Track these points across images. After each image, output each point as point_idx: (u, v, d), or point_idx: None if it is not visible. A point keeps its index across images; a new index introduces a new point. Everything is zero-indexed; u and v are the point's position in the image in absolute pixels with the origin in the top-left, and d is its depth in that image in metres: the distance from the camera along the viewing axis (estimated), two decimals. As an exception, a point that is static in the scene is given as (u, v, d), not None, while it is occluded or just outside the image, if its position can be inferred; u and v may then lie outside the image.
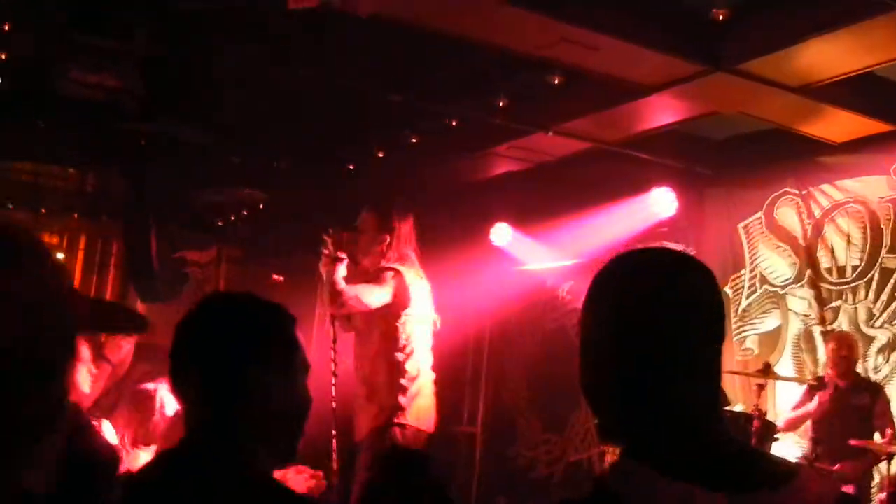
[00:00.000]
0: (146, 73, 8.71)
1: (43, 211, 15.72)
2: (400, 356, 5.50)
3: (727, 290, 9.19)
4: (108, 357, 5.58)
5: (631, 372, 1.49)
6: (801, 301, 8.62)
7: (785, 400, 8.21)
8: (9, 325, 1.12)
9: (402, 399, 5.43)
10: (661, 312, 1.49)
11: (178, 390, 2.06)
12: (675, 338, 1.49)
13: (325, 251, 5.55)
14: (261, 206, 13.74)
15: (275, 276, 11.00)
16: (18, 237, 1.22)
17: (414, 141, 9.30)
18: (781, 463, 1.51)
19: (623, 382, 1.50)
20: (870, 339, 7.86)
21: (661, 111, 7.78)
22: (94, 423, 4.62)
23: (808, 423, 7.49)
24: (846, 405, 7.14)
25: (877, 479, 7.16)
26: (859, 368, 7.56)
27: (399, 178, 9.94)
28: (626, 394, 1.50)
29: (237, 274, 14.80)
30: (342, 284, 5.41)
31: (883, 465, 6.99)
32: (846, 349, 7.34)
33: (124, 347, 6.96)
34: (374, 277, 5.52)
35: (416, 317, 5.59)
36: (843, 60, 6.54)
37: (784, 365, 8.56)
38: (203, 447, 1.94)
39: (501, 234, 10.45)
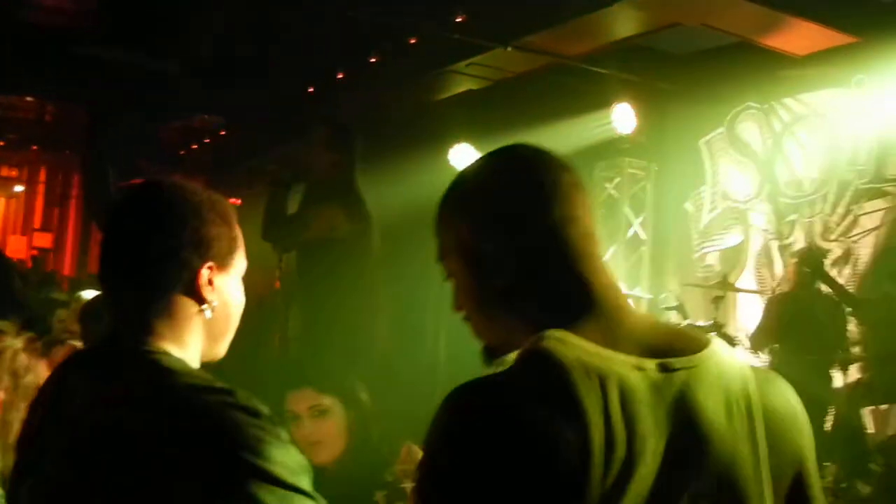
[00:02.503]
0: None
1: (2, 143, 15.51)
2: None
3: (688, 206, 9.18)
4: None
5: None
6: (761, 216, 8.62)
7: (748, 314, 8.23)
8: None
9: None
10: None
11: (107, 274, 1.94)
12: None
13: (270, 168, 5.41)
14: (221, 132, 13.60)
15: (231, 200, 10.82)
16: None
17: (374, 61, 9.15)
18: (698, 334, 1.49)
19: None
20: (824, 253, 7.85)
21: (623, 22, 7.65)
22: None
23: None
24: (806, 317, 7.12)
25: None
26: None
27: (359, 99, 9.81)
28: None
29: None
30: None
31: (839, 376, 7.04)
32: (809, 262, 7.33)
33: None
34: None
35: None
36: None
37: (746, 280, 8.58)
38: (128, 338, 1.84)
39: (462, 154, 10.33)
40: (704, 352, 1.42)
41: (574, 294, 1.47)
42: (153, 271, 1.86)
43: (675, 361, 1.39)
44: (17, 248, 15.43)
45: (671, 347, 1.42)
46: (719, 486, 1.36)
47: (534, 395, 1.32)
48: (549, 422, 1.29)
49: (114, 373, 1.78)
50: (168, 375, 1.74)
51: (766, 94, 8.60)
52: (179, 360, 1.81)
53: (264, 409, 1.71)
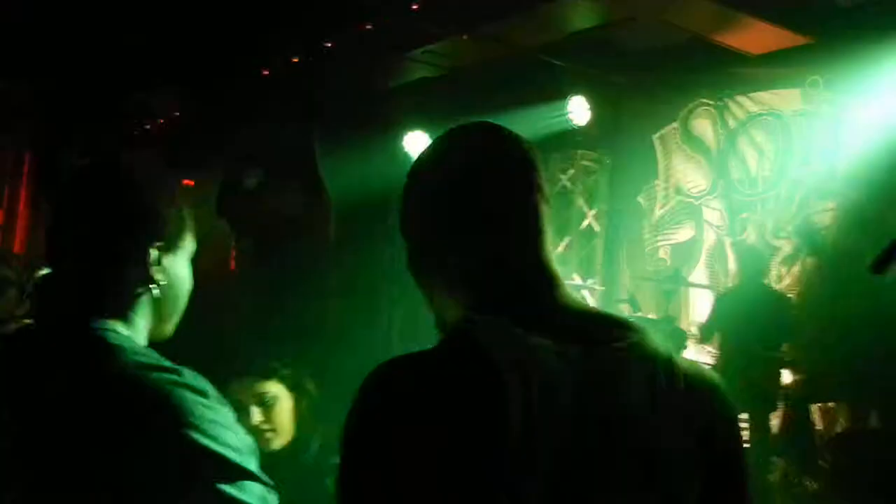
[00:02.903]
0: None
1: (-51, 122, 15.25)
2: None
3: (640, 200, 9.22)
4: None
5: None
6: (714, 212, 8.67)
7: (700, 309, 8.29)
8: None
9: None
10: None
11: (55, 259, 1.91)
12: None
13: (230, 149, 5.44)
14: (176, 112, 13.45)
15: (185, 181, 10.72)
16: None
17: (328, 46, 9.09)
18: (624, 320, 1.49)
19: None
20: (774, 250, 7.93)
21: (579, 15, 7.68)
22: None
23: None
24: (753, 312, 7.15)
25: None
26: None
27: (313, 83, 9.74)
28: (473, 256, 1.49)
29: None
30: None
31: (787, 374, 7.10)
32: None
33: None
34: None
35: None
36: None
37: (698, 276, 8.63)
38: (76, 316, 1.81)
39: (416, 142, 10.31)
40: (629, 340, 1.42)
41: (507, 275, 1.47)
42: (102, 250, 1.85)
43: (599, 348, 1.39)
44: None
45: (596, 334, 1.42)
46: (640, 473, 1.36)
47: (454, 374, 1.32)
48: (469, 402, 1.29)
49: (61, 350, 1.76)
50: (116, 353, 1.73)
51: (719, 92, 8.66)
52: (128, 338, 1.80)
53: (212, 389, 1.70)
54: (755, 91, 8.42)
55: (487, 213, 1.49)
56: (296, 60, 9.67)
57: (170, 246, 1.90)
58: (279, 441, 2.99)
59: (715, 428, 1.46)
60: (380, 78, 9.79)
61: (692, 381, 1.45)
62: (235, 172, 5.42)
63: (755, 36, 7.77)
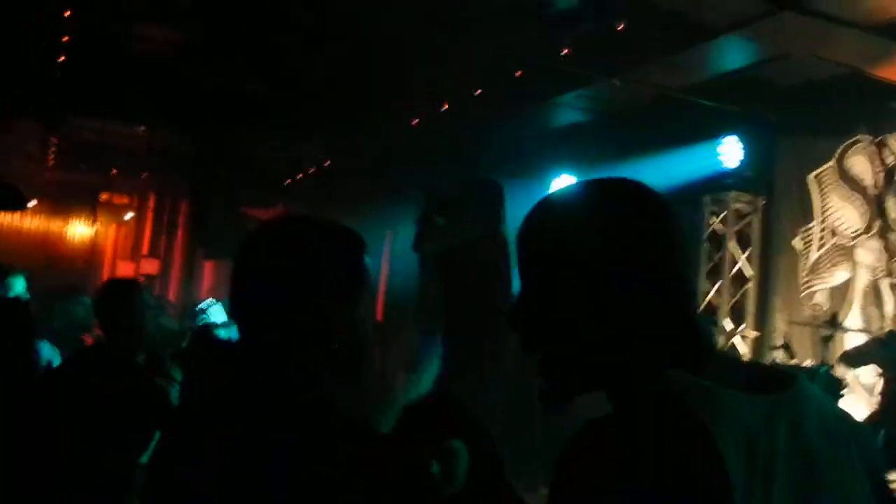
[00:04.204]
0: (208, 25, 8.74)
1: (114, 172, 15.94)
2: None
3: (796, 242, 8.98)
4: None
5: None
6: (869, 253, 8.37)
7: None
8: None
9: None
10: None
11: (238, 312, 1.98)
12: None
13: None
14: (326, 162, 13.78)
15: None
16: None
17: (478, 93, 9.20)
18: (784, 369, 1.52)
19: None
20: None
21: (729, 54, 7.59)
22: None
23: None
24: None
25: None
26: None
27: (464, 130, 9.87)
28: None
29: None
30: None
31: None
32: None
33: None
34: None
35: None
36: (921, -5, 6.31)
37: (853, 319, 8.34)
38: (266, 370, 1.90)
39: (565, 185, 10.31)
40: (798, 386, 1.43)
41: (682, 335, 1.43)
42: (284, 311, 1.91)
43: (780, 396, 1.39)
44: (125, 274, 15.81)
45: (769, 383, 1.42)
46: None
47: (669, 441, 1.28)
48: (690, 469, 1.26)
49: (257, 421, 1.82)
50: (323, 415, 1.84)
51: (877, 127, 8.36)
52: (318, 402, 1.88)
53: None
54: (915, 125, 8.12)
55: (654, 269, 1.43)
56: (446, 107, 9.81)
57: (351, 301, 1.96)
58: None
59: (875, 478, 1.47)
60: (530, 122, 9.86)
61: (851, 428, 1.49)
62: (428, 216, 5.59)
63: (915, 67, 7.53)
